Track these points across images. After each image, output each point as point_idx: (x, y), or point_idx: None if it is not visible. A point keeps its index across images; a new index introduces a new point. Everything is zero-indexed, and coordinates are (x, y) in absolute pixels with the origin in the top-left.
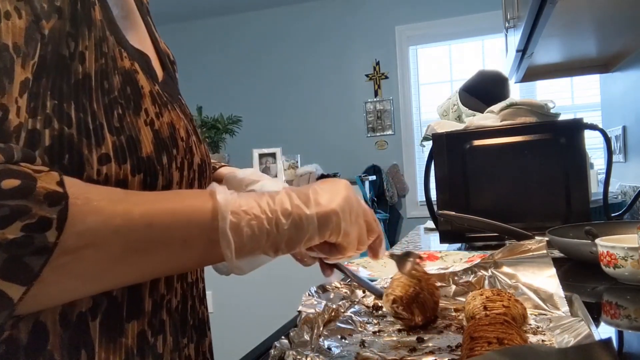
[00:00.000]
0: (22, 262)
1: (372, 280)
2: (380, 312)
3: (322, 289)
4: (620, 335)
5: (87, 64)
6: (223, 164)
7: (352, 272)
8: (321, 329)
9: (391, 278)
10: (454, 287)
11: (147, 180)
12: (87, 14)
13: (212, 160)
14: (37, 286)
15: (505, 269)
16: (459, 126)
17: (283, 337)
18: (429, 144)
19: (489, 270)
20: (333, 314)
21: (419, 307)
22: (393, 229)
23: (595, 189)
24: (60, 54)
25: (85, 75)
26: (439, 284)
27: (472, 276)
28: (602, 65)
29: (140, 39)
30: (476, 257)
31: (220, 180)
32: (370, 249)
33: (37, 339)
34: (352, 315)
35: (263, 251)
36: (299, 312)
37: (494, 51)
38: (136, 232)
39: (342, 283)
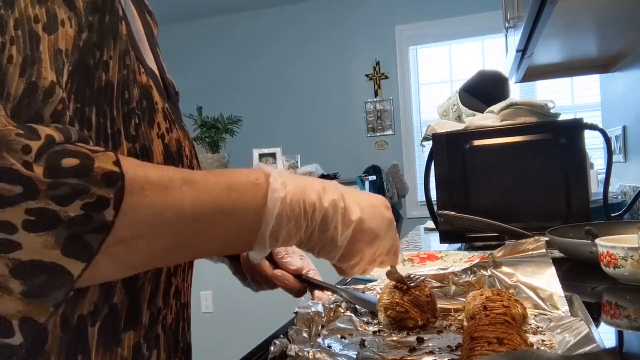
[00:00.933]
0: (82, 239)
1: (372, 281)
2: None
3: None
4: (620, 335)
5: (111, 73)
6: None
7: (344, 290)
8: (320, 327)
9: (380, 289)
10: (454, 287)
11: None
12: (114, 27)
13: None
14: (92, 266)
15: (505, 268)
16: (459, 126)
17: (282, 335)
18: (429, 144)
19: (489, 270)
20: (332, 314)
21: (413, 307)
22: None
23: (595, 189)
24: (85, 62)
25: (107, 83)
26: (439, 284)
27: (472, 276)
28: (602, 65)
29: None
30: (476, 257)
31: None
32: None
33: (36, 339)
34: (352, 315)
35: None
36: (296, 312)
37: (494, 51)
38: (185, 226)
39: (341, 282)
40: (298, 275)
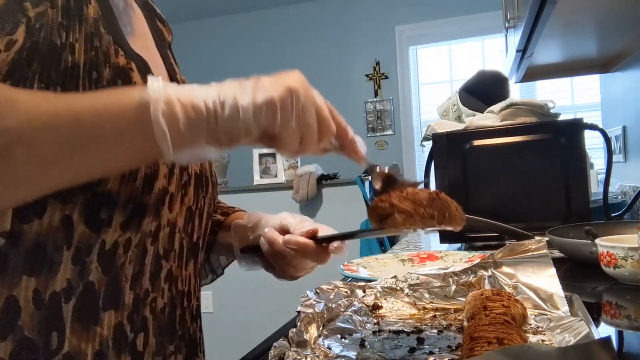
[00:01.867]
0: None
1: (372, 281)
2: (380, 311)
3: (321, 289)
4: (620, 335)
5: (77, 54)
6: (238, 209)
7: (362, 231)
8: (321, 328)
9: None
10: (454, 287)
11: None
12: (78, 9)
13: (230, 207)
14: None
15: (505, 268)
16: (459, 126)
17: (282, 337)
18: (429, 144)
19: (489, 270)
20: (333, 313)
21: (402, 200)
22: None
23: (595, 189)
24: (52, 41)
25: (74, 64)
26: (439, 284)
27: (472, 276)
28: (602, 65)
29: (153, 65)
30: (476, 257)
31: (229, 228)
32: (342, 149)
33: (8, 313)
34: (352, 315)
35: (202, 143)
36: (298, 312)
37: (494, 51)
38: (64, 129)
39: (341, 283)
40: (312, 237)
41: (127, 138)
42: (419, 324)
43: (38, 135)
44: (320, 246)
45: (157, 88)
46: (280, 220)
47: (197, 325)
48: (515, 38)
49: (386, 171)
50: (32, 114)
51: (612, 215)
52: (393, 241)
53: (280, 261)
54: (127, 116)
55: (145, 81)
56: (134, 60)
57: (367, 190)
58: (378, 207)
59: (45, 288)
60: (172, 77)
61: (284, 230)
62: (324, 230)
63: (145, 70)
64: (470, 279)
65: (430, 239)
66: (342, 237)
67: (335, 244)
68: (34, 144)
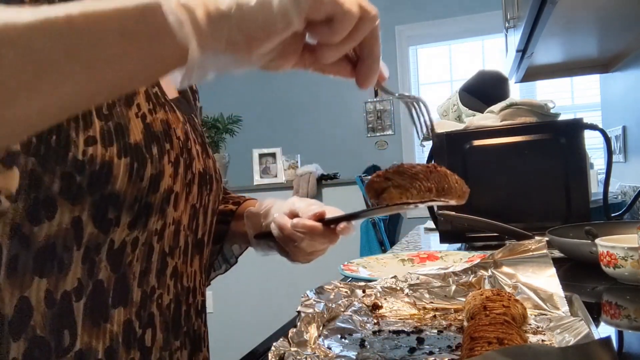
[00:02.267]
0: None
1: (372, 281)
2: (380, 311)
3: (321, 289)
4: (620, 335)
5: None
6: (249, 198)
7: (366, 210)
8: (321, 328)
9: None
10: (454, 287)
11: (135, 165)
12: None
13: (240, 196)
14: None
15: (505, 268)
16: (459, 126)
17: (282, 337)
18: (429, 144)
19: (489, 270)
20: (333, 313)
21: (398, 175)
22: (393, 229)
23: (595, 189)
24: None
25: None
26: (439, 284)
27: (472, 276)
28: (602, 65)
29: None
30: (476, 257)
31: (241, 217)
32: (358, 76)
33: (21, 314)
34: (352, 315)
35: (231, 40)
36: (298, 312)
37: (494, 51)
38: (57, 29)
39: (341, 283)
40: (320, 220)
41: (134, 36)
42: (419, 324)
43: (27, 35)
44: (328, 228)
45: None
46: (290, 205)
47: (202, 321)
48: (515, 38)
49: None
50: (18, 15)
51: (612, 215)
52: (393, 241)
53: (291, 245)
54: (131, 9)
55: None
56: None
57: None
58: (374, 182)
59: (56, 288)
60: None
61: (293, 215)
62: (332, 212)
63: None
64: (470, 279)
65: (430, 239)
66: (348, 217)
67: (341, 225)
68: (22, 43)
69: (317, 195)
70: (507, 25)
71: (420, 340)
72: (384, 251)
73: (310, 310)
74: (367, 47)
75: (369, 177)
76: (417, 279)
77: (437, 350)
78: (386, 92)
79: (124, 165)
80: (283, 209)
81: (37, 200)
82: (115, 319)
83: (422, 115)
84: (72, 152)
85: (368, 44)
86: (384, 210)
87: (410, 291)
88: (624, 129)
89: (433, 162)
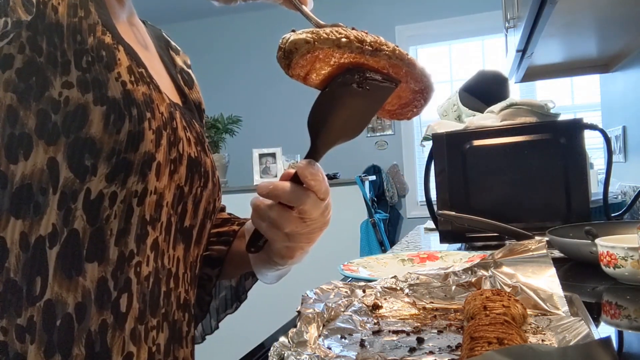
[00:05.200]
0: None
1: (372, 281)
2: (380, 311)
3: (321, 289)
4: (620, 335)
5: (60, 15)
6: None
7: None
8: (321, 328)
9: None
10: (454, 287)
11: (111, 117)
12: None
13: (246, 218)
14: None
15: (505, 268)
16: (459, 126)
17: (282, 337)
18: (429, 144)
19: (489, 270)
20: (333, 313)
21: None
22: (393, 229)
23: (595, 189)
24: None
25: (57, 22)
26: (439, 284)
27: (472, 276)
28: (602, 65)
29: (156, 75)
30: (476, 257)
31: (242, 236)
32: None
33: None
34: (352, 315)
35: None
36: (298, 312)
37: (494, 51)
38: None
39: (341, 283)
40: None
41: None
42: (419, 324)
43: None
44: (299, 185)
45: None
46: None
47: (185, 319)
48: (515, 38)
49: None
50: None
51: (612, 215)
52: (393, 241)
53: (266, 227)
54: None
55: (133, 63)
56: (123, 45)
57: (367, 190)
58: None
59: (30, 231)
60: (182, 96)
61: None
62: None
63: (134, 57)
64: (470, 279)
65: (430, 239)
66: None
67: (307, 170)
68: None
69: None
70: (507, 25)
71: (420, 340)
72: (384, 251)
73: (310, 310)
74: None
75: (369, 177)
76: (417, 279)
77: (437, 350)
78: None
79: (100, 113)
80: None
81: (12, 137)
82: (88, 274)
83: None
84: (50, 91)
85: None
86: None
87: (410, 291)
88: (624, 129)
89: (433, 163)
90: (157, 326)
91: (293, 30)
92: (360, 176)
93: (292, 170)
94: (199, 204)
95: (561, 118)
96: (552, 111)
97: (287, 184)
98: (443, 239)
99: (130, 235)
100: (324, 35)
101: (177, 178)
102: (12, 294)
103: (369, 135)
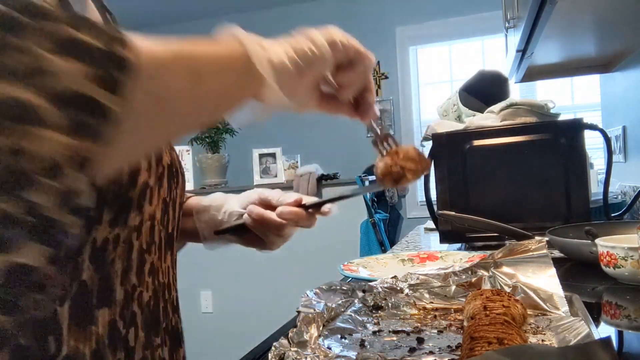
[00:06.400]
0: (110, 74)
1: (372, 281)
2: (380, 311)
3: (322, 290)
4: (620, 335)
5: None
6: (189, 194)
7: (348, 191)
8: (321, 328)
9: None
10: (454, 287)
11: None
12: None
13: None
14: (130, 113)
15: (505, 269)
16: (459, 126)
17: (282, 337)
18: (429, 144)
19: (489, 270)
20: (333, 313)
21: (406, 161)
22: (393, 229)
23: (595, 189)
24: None
25: None
26: (439, 284)
27: (472, 276)
28: (602, 65)
29: None
30: (476, 257)
31: (190, 213)
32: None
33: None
34: (352, 315)
35: (296, 76)
36: (298, 312)
37: (494, 51)
38: (184, 63)
39: (341, 283)
40: (299, 205)
41: (237, 75)
42: (419, 324)
43: (167, 78)
44: (308, 212)
45: (253, 39)
46: (257, 194)
47: (178, 316)
48: (515, 38)
49: (384, 132)
50: (161, 51)
51: (612, 215)
52: (393, 241)
53: (270, 233)
54: (228, 53)
55: None
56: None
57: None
58: (392, 172)
59: (42, 293)
60: None
61: (265, 204)
62: (305, 197)
63: None
64: (470, 279)
65: (430, 239)
66: (327, 201)
67: (325, 207)
68: (170, 71)
69: (318, 195)
70: (507, 25)
71: (420, 340)
72: (384, 251)
73: (310, 310)
74: (369, 86)
75: (369, 177)
76: (417, 279)
77: (437, 350)
78: (375, 132)
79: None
80: (248, 200)
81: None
82: (100, 320)
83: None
84: None
85: (369, 84)
86: (363, 189)
87: (410, 291)
88: (624, 129)
89: (433, 162)
90: (161, 343)
91: (394, 164)
92: (360, 176)
93: (302, 199)
94: (176, 204)
95: (561, 118)
96: (552, 111)
97: (304, 212)
98: (443, 239)
99: (132, 270)
100: (420, 174)
101: (162, 192)
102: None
103: (369, 135)
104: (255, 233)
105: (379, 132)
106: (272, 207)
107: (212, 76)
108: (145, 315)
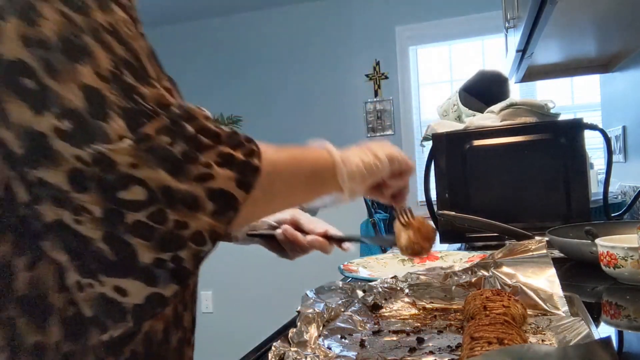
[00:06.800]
0: (246, 178)
1: (372, 281)
2: (380, 311)
3: (321, 289)
4: (620, 335)
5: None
6: None
7: (366, 237)
8: (321, 328)
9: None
10: (454, 287)
11: None
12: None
13: None
14: (248, 200)
15: (505, 269)
16: (459, 126)
17: (283, 337)
18: (429, 144)
19: (489, 270)
20: (333, 313)
21: (424, 241)
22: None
23: (595, 189)
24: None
25: None
26: (439, 284)
27: (472, 276)
28: (602, 65)
29: None
30: (476, 257)
31: None
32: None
33: (123, 340)
34: (352, 315)
35: (357, 183)
36: (298, 312)
37: (494, 51)
38: (291, 173)
39: (341, 283)
40: (325, 236)
41: (324, 181)
42: (419, 324)
43: (276, 177)
44: (331, 242)
45: (337, 154)
46: (290, 215)
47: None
48: (515, 38)
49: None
50: (276, 162)
51: (612, 215)
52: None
53: (295, 249)
54: (322, 165)
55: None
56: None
57: None
58: (415, 250)
59: (155, 329)
60: None
61: (294, 225)
62: (330, 229)
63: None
64: (470, 279)
65: None
66: (348, 239)
67: (346, 245)
68: (280, 175)
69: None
70: (507, 25)
71: (420, 340)
72: (384, 251)
73: (310, 310)
74: (407, 186)
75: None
76: (417, 279)
77: (437, 350)
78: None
79: None
80: (282, 215)
81: None
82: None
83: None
84: None
85: (407, 185)
86: (381, 242)
87: (410, 291)
88: (624, 129)
89: (433, 163)
90: (194, 326)
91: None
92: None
93: (328, 230)
94: None
95: (561, 118)
96: (552, 111)
97: (327, 244)
98: (443, 239)
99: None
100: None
101: None
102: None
103: (369, 135)
104: (281, 245)
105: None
106: (301, 229)
107: (307, 179)
108: (191, 303)
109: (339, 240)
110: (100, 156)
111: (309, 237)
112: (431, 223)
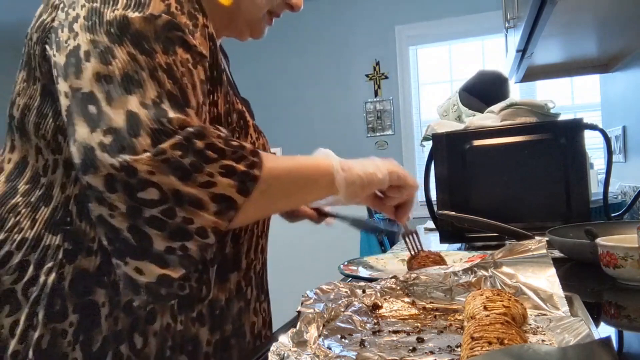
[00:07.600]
0: (245, 185)
1: (372, 281)
2: (380, 311)
3: (322, 290)
4: (620, 335)
5: (219, 107)
6: None
7: (348, 217)
8: (321, 328)
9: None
10: (454, 287)
11: None
12: (220, 77)
13: None
14: (248, 203)
15: (505, 269)
16: (459, 126)
17: (282, 337)
18: (429, 144)
19: (489, 270)
20: (333, 313)
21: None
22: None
23: (595, 189)
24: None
25: (217, 114)
26: (439, 284)
27: (472, 276)
28: (602, 65)
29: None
30: (476, 257)
31: None
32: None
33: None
34: (352, 315)
35: (355, 190)
36: (298, 312)
37: (494, 51)
38: (289, 179)
39: (341, 283)
40: (317, 210)
41: (321, 186)
42: (419, 324)
43: (279, 183)
44: (319, 214)
45: (337, 162)
46: None
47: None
48: (515, 38)
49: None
50: (274, 169)
51: (612, 215)
52: (393, 241)
53: (291, 216)
54: (322, 171)
55: (252, 117)
56: (243, 103)
57: None
58: (422, 264)
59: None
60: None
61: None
62: (326, 207)
63: (249, 110)
64: (470, 279)
65: (430, 239)
66: (335, 215)
67: (330, 220)
68: (277, 182)
69: None
70: (507, 25)
71: (420, 340)
72: (384, 251)
73: (310, 310)
74: (409, 201)
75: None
76: (417, 279)
77: (437, 350)
78: (406, 229)
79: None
80: None
81: None
82: (231, 280)
83: (415, 241)
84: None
85: (409, 201)
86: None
87: (410, 291)
88: (624, 129)
89: (433, 163)
90: (264, 299)
91: (424, 258)
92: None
93: (321, 208)
94: None
95: (561, 118)
96: (552, 111)
97: (315, 215)
98: (443, 239)
99: (252, 249)
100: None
101: None
102: (188, 297)
103: (369, 135)
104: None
105: (407, 229)
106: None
107: (306, 184)
108: (257, 279)
109: (326, 215)
110: (127, 164)
111: (304, 207)
112: (438, 253)
